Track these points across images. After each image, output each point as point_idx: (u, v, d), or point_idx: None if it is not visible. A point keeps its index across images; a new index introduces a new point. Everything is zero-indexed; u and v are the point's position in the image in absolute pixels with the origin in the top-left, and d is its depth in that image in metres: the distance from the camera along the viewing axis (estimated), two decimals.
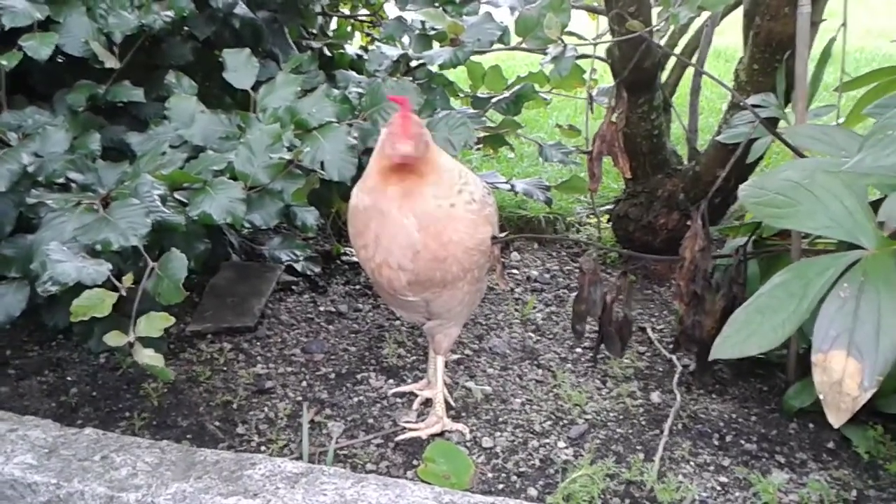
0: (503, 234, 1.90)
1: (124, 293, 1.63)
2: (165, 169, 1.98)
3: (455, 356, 2.31)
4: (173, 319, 1.67)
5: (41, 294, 1.61)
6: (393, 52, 2.34)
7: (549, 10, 2.13)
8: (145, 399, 2.11)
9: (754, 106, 2.01)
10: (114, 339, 1.62)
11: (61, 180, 1.96)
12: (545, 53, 2.16)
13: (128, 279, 1.65)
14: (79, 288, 1.63)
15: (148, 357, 1.64)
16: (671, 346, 2.28)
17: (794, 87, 1.90)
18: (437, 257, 1.73)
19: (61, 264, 1.58)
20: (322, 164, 1.99)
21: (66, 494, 1.59)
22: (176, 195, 1.94)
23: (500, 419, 2.03)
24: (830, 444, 1.89)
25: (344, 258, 2.90)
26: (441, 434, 1.95)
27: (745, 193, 1.43)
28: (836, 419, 1.25)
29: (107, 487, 1.57)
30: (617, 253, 2.84)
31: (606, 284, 2.01)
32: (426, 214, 1.70)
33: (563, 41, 2.04)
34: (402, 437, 1.95)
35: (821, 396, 1.26)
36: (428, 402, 2.06)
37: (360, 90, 2.20)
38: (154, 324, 1.62)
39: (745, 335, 1.33)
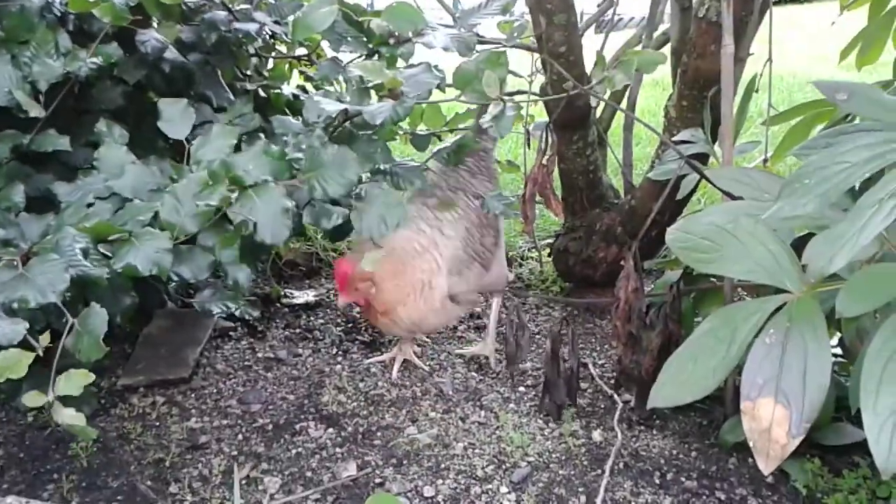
0: None
1: (41, 353, 1.56)
2: (90, 221, 1.92)
3: (397, 397, 2.27)
4: (93, 376, 1.61)
5: None
6: (332, 106, 2.31)
7: (486, 65, 2.14)
8: (74, 459, 2.03)
9: (683, 142, 2.03)
10: (32, 399, 1.56)
11: None
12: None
13: (45, 338, 1.59)
14: None
15: (68, 416, 1.57)
16: (613, 383, 2.28)
17: (721, 124, 1.93)
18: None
19: None
20: (255, 225, 1.94)
21: None
22: (101, 247, 1.88)
23: (443, 465, 2.00)
24: (769, 479, 1.89)
25: (284, 301, 2.85)
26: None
27: (672, 238, 1.44)
28: (766, 466, 1.25)
29: None
30: (560, 288, 2.85)
31: (550, 324, 2.01)
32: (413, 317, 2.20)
33: (502, 99, 2.04)
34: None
35: (751, 444, 1.26)
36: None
37: (300, 154, 2.16)
38: (74, 381, 1.56)
39: (678, 383, 1.33)
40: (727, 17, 1.86)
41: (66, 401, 1.63)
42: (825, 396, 1.23)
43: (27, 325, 1.57)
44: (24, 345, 1.58)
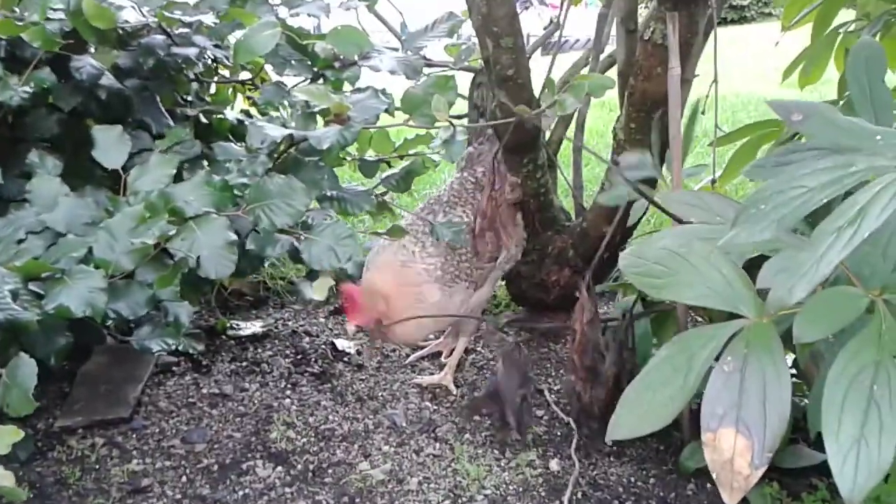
0: None
1: None
2: (21, 258, 1.82)
3: (349, 431, 2.20)
4: (22, 434, 1.51)
5: None
6: (276, 131, 2.25)
7: (435, 89, 2.10)
8: None
9: (631, 167, 2.02)
10: None
11: None
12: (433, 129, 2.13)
13: None
14: None
15: None
16: (569, 410, 2.24)
17: (669, 147, 1.92)
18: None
19: None
20: (198, 259, 1.86)
21: None
22: (32, 286, 1.79)
23: (397, 502, 1.93)
24: None
25: (230, 332, 2.76)
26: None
27: (625, 263, 1.41)
28: (730, 498, 1.21)
29: None
30: (502, 321, 2.81)
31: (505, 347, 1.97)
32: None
33: (451, 122, 2.01)
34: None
35: (714, 475, 1.22)
36: None
37: (244, 179, 2.09)
38: (2, 440, 1.46)
39: (637, 414, 1.29)
40: (673, 40, 1.86)
41: None
42: (786, 425, 1.21)
43: None
44: None
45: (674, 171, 1.81)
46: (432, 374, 2.50)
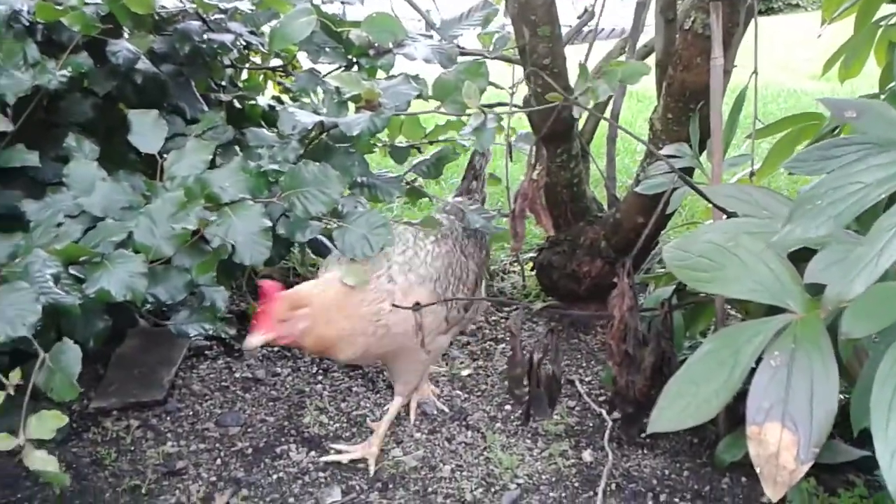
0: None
1: (12, 392, 1.48)
2: (61, 242, 1.83)
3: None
4: (66, 419, 1.53)
5: None
6: (308, 118, 2.25)
7: (467, 75, 2.09)
8: (46, 487, 1.94)
9: (670, 157, 2.00)
10: (2, 442, 1.47)
11: None
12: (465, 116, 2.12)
13: (15, 375, 1.51)
14: None
15: (39, 461, 1.49)
16: (602, 399, 2.24)
17: (710, 138, 1.90)
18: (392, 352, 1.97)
19: None
20: (233, 246, 1.87)
21: None
22: (72, 270, 1.80)
23: (430, 489, 1.94)
24: (764, 499, 1.87)
25: None
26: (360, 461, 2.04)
27: (669, 256, 1.40)
28: (774, 493, 1.20)
29: None
30: (536, 306, 2.80)
31: (537, 339, 1.96)
32: (358, 358, 1.96)
33: (482, 109, 2.00)
34: (326, 458, 2.05)
35: (758, 470, 1.21)
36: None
37: (276, 165, 2.10)
38: (46, 424, 1.48)
39: (679, 408, 1.28)
40: (716, 29, 1.84)
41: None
42: (833, 420, 1.20)
43: None
44: None
45: (714, 162, 1.79)
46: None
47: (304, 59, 3.07)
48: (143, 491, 1.93)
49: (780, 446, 1.20)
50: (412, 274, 1.95)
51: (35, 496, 1.92)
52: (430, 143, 2.87)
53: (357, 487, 1.95)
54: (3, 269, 1.74)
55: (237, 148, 2.45)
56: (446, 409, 2.25)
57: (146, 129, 2.21)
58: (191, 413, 2.24)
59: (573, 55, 2.39)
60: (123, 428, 2.17)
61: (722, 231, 1.39)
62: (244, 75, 3.25)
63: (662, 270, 2.56)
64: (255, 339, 1.77)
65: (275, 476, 1.99)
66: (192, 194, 1.98)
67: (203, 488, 1.94)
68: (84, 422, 2.20)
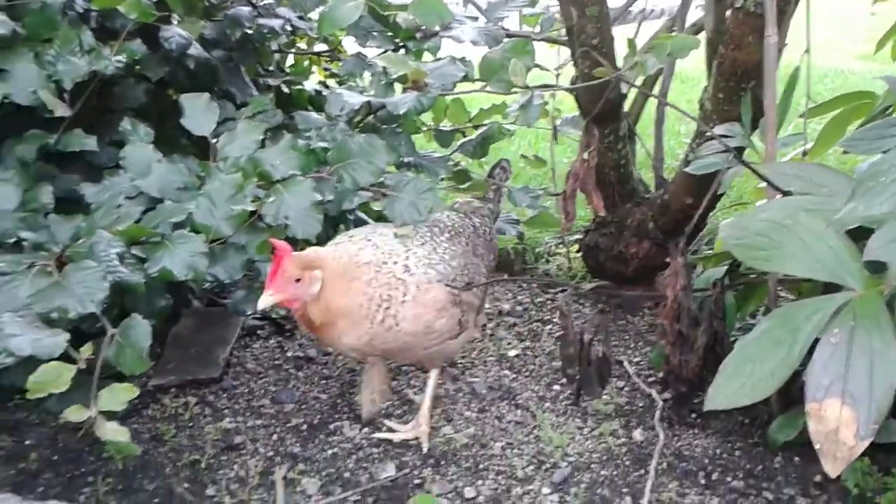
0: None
1: (83, 365, 1.54)
2: (122, 223, 1.89)
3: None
4: (137, 391, 1.58)
5: None
6: (355, 98, 2.28)
7: (512, 53, 2.10)
8: (109, 461, 2.01)
9: (721, 136, 1.99)
10: (75, 414, 1.54)
11: (12, 239, 1.86)
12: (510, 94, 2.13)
13: (86, 349, 1.57)
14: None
15: (111, 432, 1.55)
16: (652, 379, 2.25)
17: (764, 117, 1.89)
18: (396, 349, 1.89)
19: (15, 337, 1.49)
20: (286, 220, 1.91)
21: None
22: (134, 250, 1.86)
23: (481, 466, 1.97)
24: (818, 478, 1.86)
25: None
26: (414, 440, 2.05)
27: (727, 234, 1.41)
28: (832, 469, 1.21)
29: None
30: (587, 286, 2.81)
31: (584, 320, 1.98)
32: (360, 346, 1.85)
33: (528, 87, 2.00)
34: (379, 435, 2.07)
35: (817, 446, 1.22)
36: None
37: (325, 143, 2.13)
38: (117, 396, 1.54)
39: (736, 385, 1.29)
40: (770, 7, 1.82)
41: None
42: (892, 397, 1.20)
43: (68, 337, 1.54)
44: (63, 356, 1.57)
45: (768, 141, 1.78)
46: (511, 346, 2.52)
47: (349, 45, 3.10)
48: (203, 465, 1.98)
49: (839, 422, 1.21)
50: (432, 270, 1.89)
51: (98, 470, 1.99)
52: (474, 127, 2.89)
53: (410, 463, 1.98)
54: (68, 250, 1.80)
55: (285, 131, 2.50)
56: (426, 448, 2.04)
57: (198, 113, 2.26)
58: (246, 390, 2.30)
59: (620, 36, 2.38)
60: (182, 404, 2.23)
61: (780, 209, 1.39)
62: (290, 60, 3.30)
63: (711, 252, 2.55)
64: (266, 299, 1.74)
65: (330, 451, 2.03)
66: (245, 173, 2.03)
67: (261, 463, 1.99)
68: (144, 399, 2.26)
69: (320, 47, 3.34)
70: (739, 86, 2.13)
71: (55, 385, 1.48)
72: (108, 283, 1.62)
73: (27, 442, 2.11)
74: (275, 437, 2.10)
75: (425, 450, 2.02)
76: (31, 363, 1.60)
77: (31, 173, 2.14)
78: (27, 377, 1.88)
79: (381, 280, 1.82)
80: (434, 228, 2.04)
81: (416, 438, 2.06)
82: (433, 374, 2.10)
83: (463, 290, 1.94)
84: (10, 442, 2.11)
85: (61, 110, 2.18)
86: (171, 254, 1.79)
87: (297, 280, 1.74)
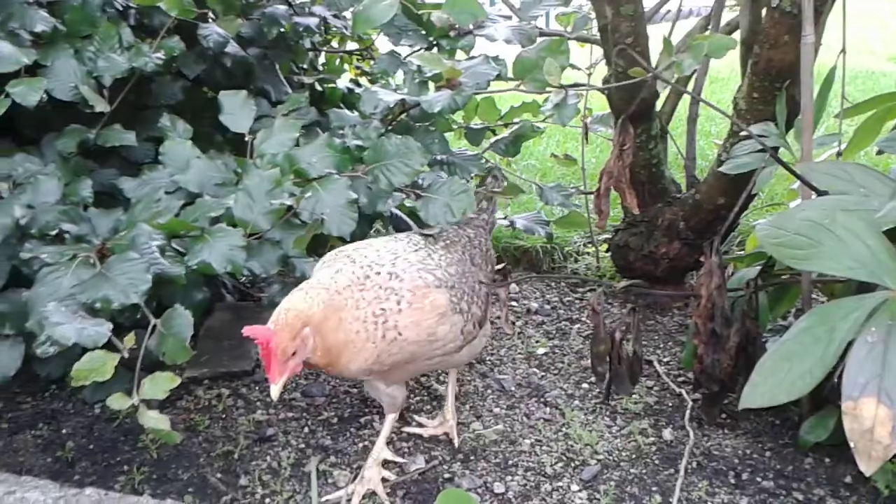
0: (505, 277, 1.89)
1: (126, 354, 1.57)
2: (161, 217, 1.93)
3: (459, 392, 2.26)
4: (179, 380, 1.62)
5: (39, 355, 1.55)
6: (389, 96, 2.30)
7: (547, 52, 2.11)
8: (144, 451, 2.05)
9: (757, 136, 1.99)
10: (117, 401, 1.57)
11: (54, 231, 1.90)
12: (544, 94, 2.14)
13: (129, 339, 1.60)
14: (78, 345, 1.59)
15: (153, 420, 1.59)
16: (681, 379, 2.25)
17: (800, 117, 1.88)
18: (403, 360, 1.77)
19: (60, 326, 1.53)
20: (322, 218, 1.94)
21: None
22: (173, 243, 1.90)
23: (511, 462, 1.99)
24: (847, 479, 1.86)
25: None
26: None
27: (764, 234, 1.41)
28: (867, 467, 1.21)
29: None
30: (619, 285, 2.81)
31: (613, 319, 1.98)
32: (368, 367, 1.72)
33: (563, 86, 2.01)
34: (408, 429, 2.09)
35: (852, 444, 1.22)
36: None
37: (359, 142, 2.16)
38: (159, 385, 1.57)
39: (773, 383, 1.29)
40: (808, 7, 1.82)
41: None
42: None
43: (111, 326, 1.58)
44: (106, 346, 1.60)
45: (805, 140, 1.78)
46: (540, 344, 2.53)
47: (381, 44, 3.13)
48: (236, 456, 2.02)
49: (875, 421, 1.21)
50: (429, 275, 1.78)
51: (133, 459, 2.03)
52: (505, 125, 2.90)
53: (439, 457, 2.00)
54: (109, 242, 1.84)
55: (318, 129, 2.53)
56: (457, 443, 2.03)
57: (236, 110, 2.29)
58: None
59: (654, 35, 2.39)
60: (215, 396, 2.26)
61: (819, 208, 1.39)
62: (322, 58, 3.33)
63: (742, 253, 2.54)
64: (276, 389, 1.60)
65: (360, 444, 2.06)
66: (281, 169, 2.06)
67: (293, 454, 2.01)
68: (178, 390, 2.26)
69: (352, 46, 3.38)
70: (774, 85, 2.13)
71: (99, 373, 1.51)
72: (150, 275, 1.66)
73: (63, 431, 2.16)
74: (306, 429, 2.13)
75: (457, 444, 2.04)
76: (68, 354, 1.65)
77: (71, 167, 2.19)
78: (64, 367, 1.94)
79: (368, 297, 1.70)
80: (428, 238, 1.96)
81: (446, 434, 2.08)
82: (452, 373, 2.12)
83: (491, 287, 1.90)
84: (47, 431, 2.16)
85: (101, 106, 2.22)
86: (210, 247, 1.82)
87: (293, 353, 1.61)
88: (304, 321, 1.61)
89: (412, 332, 1.72)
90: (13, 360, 1.79)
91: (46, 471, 1.97)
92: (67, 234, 1.91)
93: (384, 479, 1.88)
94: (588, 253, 3.12)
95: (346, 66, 3.41)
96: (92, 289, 1.63)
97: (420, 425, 2.12)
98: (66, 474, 1.96)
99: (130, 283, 1.63)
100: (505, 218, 2.67)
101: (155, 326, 1.66)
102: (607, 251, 2.87)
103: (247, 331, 1.55)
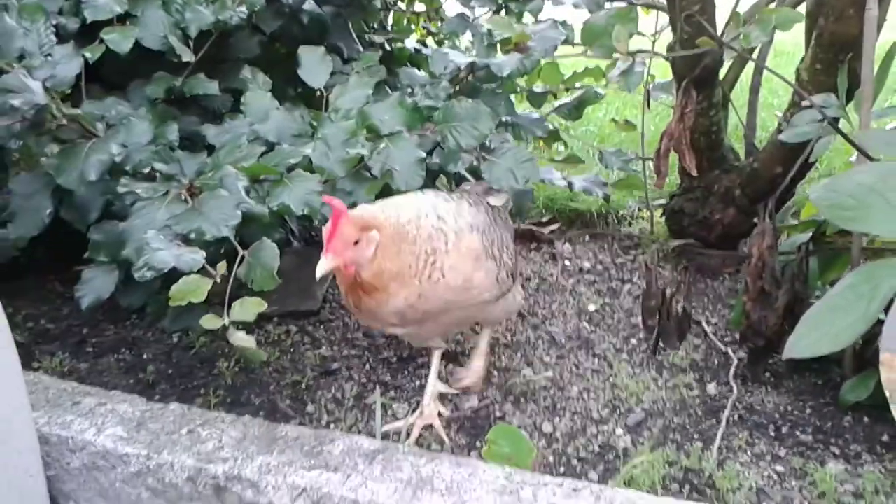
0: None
1: (219, 280, 1.72)
2: (245, 161, 2.06)
3: (511, 341, 2.38)
4: (265, 305, 1.76)
5: (138, 279, 1.70)
6: (460, 58, 2.39)
7: (616, 20, 2.17)
8: (219, 377, 2.22)
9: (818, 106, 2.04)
10: (209, 322, 1.72)
11: (146, 170, 2.06)
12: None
13: (221, 267, 1.75)
14: (166, 274, 1.74)
15: (241, 340, 1.73)
16: (728, 339, 2.33)
17: (860, 88, 1.93)
18: (437, 310, 1.78)
19: (159, 252, 1.68)
20: (391, 172, 2.04)
21: (155, 465, 1.69)
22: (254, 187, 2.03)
23: (559, 405, 2.10)
24: (885, 438, 1.93)
25: None
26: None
27: (817, 196, 1.48)
28: None
29: (195, 459, 1.67)
30: (671, 248, 2.88)
31: (664, 278, 2.06)
32: (405, 308, 1.73)
33: (630, 53, 2.08)
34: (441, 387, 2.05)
35: (888, 394, 1.30)
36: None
37: (430, 101, 2.25)
38: (248, 308, 1.72)
39: (817, 335, 1.38)
40: None
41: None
42: None
43: (204, 255, 1.72)
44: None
45: (863, 111, 1.83)
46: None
47: (449, 6, 3.21)
48: (303, 386, 2.17)
49: None
50: (461, 219, 1.82)
51: (209, 384, 2.19)
52: (566, 89, 2.97)
53: (492, 398, 2.12)
54: (199, 181, 1.98)
55: (386, 87, 2.63)
56: (445, 439, 1.96)
57: (314, 65, 2.41)
58: (341, 324, 2.48)
59: (720, 2, 2.43)
60: (284, 332, 2.42)
61: (872, 172, 1.46)
62: (390, 19, 3.43)
63: (796, 221, 2.59)
64: (325, 264, 1.62)
65: (417, 382, 2.19)
66: (355, 124, 2.17)
67: (355, 387, 2.16)
68: (248, 325, 2.45)
69: (419, 7, 3.47)
70: (837, 58, 2.17)
71: (195, 295, 1.66)
72: (240, 211, 1.80)
73: (144, 356, 2.34)
74: (367, 366, 2.27)
75: (477, 403, 2.08)
76: (149, 286, 1.80)
77: (159, 112, 2.34)
78: (145, 298, 2.10)
79: (423, 234, 1.73)
80: (453, 195, 2.00)
81: (492, 374, 2.12)
82: (486, 332, 2.13)
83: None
84: (129, 356, 2.35)
85: (187, 56, 2.36)
86: (289, 190, 1.95)
87: (356, 242, 1.63)
88: (376, 225, 1.65)
89: (451, 275, 1.75)
90: (107, 284, 1.96)
91: (129, 391, 2.13)
92: (158, 173, 2.07)
93: (439, 414, 2.01)
94: (643, 217, 3.19)
95: (413, 26, 3.50)
96: (186, 221, 1.78)
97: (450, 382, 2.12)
98: (148, 394, 2.12)
99: (222, 218, 1.78)
100: (564, 178, 2.75)
101: (243, 257, 1.80)
102: (662, 216, 2.94)
103: (327, 198, 1.61)
